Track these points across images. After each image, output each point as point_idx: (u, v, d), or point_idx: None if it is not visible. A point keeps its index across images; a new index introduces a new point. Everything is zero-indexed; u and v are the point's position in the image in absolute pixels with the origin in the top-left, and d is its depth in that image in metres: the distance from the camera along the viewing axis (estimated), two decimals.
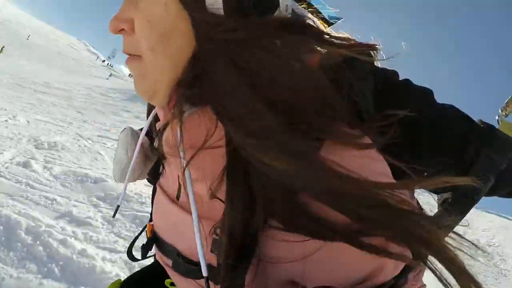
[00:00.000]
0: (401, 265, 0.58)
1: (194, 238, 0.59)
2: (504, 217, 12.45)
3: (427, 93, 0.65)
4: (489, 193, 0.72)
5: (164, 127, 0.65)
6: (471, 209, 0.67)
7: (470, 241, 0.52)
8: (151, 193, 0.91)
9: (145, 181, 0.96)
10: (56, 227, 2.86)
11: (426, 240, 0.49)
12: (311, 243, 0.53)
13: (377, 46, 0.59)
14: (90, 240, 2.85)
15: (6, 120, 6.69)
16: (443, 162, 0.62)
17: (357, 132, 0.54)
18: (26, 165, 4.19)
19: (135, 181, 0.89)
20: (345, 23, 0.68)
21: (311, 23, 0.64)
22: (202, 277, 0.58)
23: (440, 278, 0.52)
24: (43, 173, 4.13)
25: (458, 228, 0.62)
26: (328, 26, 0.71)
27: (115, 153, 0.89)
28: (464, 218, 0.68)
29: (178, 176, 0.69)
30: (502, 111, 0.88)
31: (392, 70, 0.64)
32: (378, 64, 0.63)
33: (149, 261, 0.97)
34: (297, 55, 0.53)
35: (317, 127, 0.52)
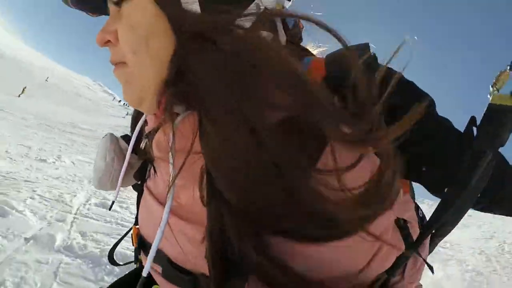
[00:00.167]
0: (392, 258, 0.64)
1: (185, 245, 0.64)
2: None
3: (430, 104, 0.71)
4: (487, 209, 0.80)
5: (155, 131, 0.67)
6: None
7: None
8: None
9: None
10: None
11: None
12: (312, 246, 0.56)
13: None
14: None
15: (54, 162, 6.81)
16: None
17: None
18: (104, 205, 4.52)
19: (116, 188, 0.90)
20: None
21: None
22: (196, 286, 0.63)
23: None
24: (123, 211, 4.47)
25: None
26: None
27: (94, 161, 0.91)
28: None
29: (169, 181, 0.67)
30: (492, 87, 0.85)
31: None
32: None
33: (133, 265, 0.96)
34: (277, 48, 0.58)
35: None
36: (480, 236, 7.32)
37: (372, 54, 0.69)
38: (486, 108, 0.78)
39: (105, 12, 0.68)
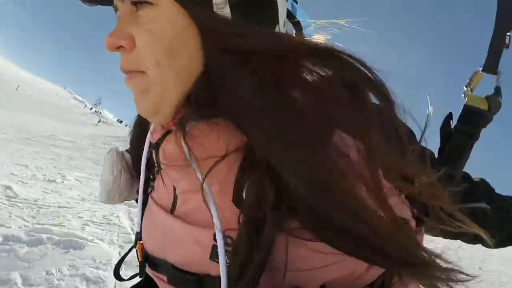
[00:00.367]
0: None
1: (191, 249, 0.61)
2: None
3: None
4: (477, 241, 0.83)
5: (161, 140, 0.66)
6: None
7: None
8: None
9: None
10: None
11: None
12: (332, 255, 0.53)
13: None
14: None
15: (62, 182, 6.81)
16: None
17: None
18: None
19: (123, 202, 0.91)
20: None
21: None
22: (201, 287, 0.60)
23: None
24: None
25: None
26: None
27: (101, 175, 0.89)
28: None
29: (174, 188, 0.67)
30: (466, 87, 0.94)
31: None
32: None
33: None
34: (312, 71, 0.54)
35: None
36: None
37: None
38: (462, 109, 0.87)
39: (108, 2, 0.64)
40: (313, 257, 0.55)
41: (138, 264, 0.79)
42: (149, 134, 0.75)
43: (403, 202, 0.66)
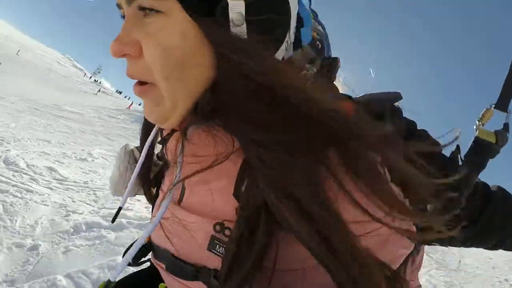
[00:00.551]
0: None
1: (192, 238, 0.62)
2: None
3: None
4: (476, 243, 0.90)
5: (169, 137, 0.68)
6: None
7: None
8: None
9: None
10: None
11: None
12: None
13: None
14: None
15: (92, 160, 6.85)
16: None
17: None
18: None
19: (134, 195, 0.92)
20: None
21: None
22: (197, 278, 0.61)
23: None
24: None
25: None
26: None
27: (112, 171, 0.94)
28: None
29: (183, 183, 0.68)
30: (479, 121, 1.00)
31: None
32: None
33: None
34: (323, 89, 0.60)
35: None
36: None
37: (397, 107, 0.78)
38: (472, 141, 0.95)
39: None
40: (301, 258, 0.55)
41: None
42: (155, 128, 0.78)
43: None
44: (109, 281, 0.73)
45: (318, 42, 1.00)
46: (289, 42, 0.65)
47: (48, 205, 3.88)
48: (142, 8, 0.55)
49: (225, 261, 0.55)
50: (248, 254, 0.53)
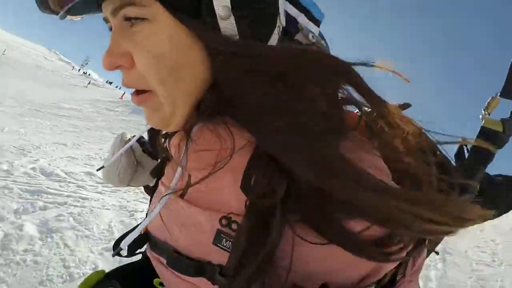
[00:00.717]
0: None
1: (196, 232, 0.61)
2: None
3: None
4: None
5: (173, 133, 0.68)
6: None
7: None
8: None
9: None
10: None
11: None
12: (332, 247, 0.52)
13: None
14: None
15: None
16: None
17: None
18: None
19: (126, 186, 0.94)
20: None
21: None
22: (200, 274, 0.59)
23: None
24: None
25: None
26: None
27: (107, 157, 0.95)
28: None
29: (189, 176, 0.65)
30: (484, 110, 1.01)
31: None
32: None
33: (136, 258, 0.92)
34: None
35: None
36: None
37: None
38: (479, 130, 0.95)
39: (92, 10, 0.61)
40: (316, 261, 0.55)
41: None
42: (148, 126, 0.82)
43: None
44: (102, 271, 0.80)
45: None
46: (280, 27, 0.63)
47: (109, 209, 4.08)
48: (128, 18, 0.55)
49: (233, 255, 0.54)
50: (260, 247, 0.52)
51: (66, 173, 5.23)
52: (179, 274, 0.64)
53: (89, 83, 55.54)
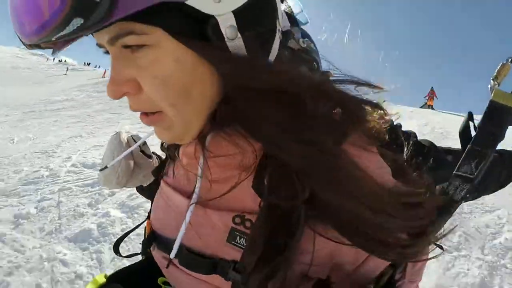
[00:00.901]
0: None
1: (209, 232, 0.63)
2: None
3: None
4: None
5: None
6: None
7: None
8: None
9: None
10: None
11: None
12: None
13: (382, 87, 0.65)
14: None
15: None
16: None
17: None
18: None
19: (122, 187, 0.93)
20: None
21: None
22: (214, 271, 0.62)
23: None
24: None
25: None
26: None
27: (103, 157, 0.93)
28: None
29: (209, 182, 0.67)
30: (493, 80, 0.89)
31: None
32: None
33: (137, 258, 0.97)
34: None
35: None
36: (420, 124, 10.54)
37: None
38: (487, 105, 0.80)
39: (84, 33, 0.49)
40: (329, 253, 0.59)
41: (141, 243, 0.83)
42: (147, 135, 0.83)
43: None
44: (104, 274, 0.83)
45: (314, 63, 0.97)
46: (280, 30, 0.63)
47: None
48: (128, 46, 0.52)
49: (248, 251, 0.57)
50: (281, 247, 0.54)
51: None
52: (190, 272, 0.66)
53: (67, 69, 53.96)
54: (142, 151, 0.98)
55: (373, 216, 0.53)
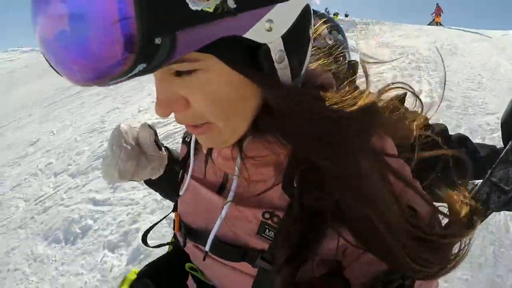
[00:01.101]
0: None
1: (240, 225, 0.67)
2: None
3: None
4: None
5: None
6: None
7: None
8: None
9: None
10: None
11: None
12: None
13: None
14: None
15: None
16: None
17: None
18: None
19: (128, 180, 0.89)
20: None
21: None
22: (243, 259, 0.66)
23: None
24: None
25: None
26: None
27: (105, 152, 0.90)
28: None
29: (225, 173, 0.74)
30: None
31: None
32: None
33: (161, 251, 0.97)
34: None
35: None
36: (428, 41, 11.20)
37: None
38: None
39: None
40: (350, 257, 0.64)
41: (173, 233, 0.89)
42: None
43: None
44: (135, 270, 0.87)
45: (341, 57, 0.89)
46: (312, 37, 0.64)
47: None
48: (178, 72, 0.53)
49: (276, 243, 0.62)
50: (310, 245, 0.60)
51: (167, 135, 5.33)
52: (221, 260, 0.71)
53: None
54: (156, 143, 0.94)
55: (389, 236, 0.55)
